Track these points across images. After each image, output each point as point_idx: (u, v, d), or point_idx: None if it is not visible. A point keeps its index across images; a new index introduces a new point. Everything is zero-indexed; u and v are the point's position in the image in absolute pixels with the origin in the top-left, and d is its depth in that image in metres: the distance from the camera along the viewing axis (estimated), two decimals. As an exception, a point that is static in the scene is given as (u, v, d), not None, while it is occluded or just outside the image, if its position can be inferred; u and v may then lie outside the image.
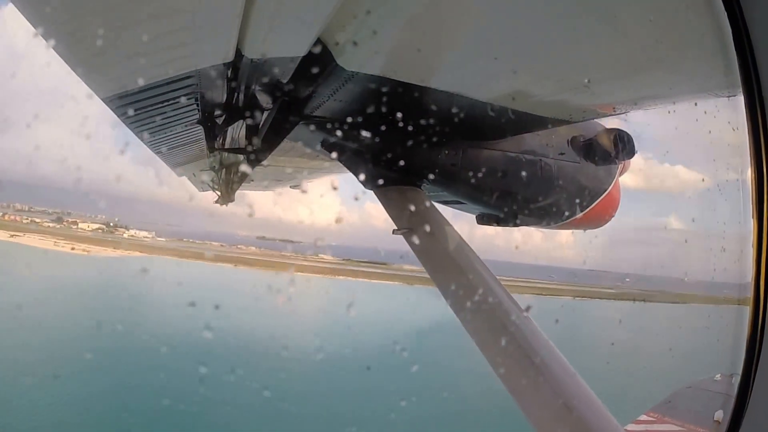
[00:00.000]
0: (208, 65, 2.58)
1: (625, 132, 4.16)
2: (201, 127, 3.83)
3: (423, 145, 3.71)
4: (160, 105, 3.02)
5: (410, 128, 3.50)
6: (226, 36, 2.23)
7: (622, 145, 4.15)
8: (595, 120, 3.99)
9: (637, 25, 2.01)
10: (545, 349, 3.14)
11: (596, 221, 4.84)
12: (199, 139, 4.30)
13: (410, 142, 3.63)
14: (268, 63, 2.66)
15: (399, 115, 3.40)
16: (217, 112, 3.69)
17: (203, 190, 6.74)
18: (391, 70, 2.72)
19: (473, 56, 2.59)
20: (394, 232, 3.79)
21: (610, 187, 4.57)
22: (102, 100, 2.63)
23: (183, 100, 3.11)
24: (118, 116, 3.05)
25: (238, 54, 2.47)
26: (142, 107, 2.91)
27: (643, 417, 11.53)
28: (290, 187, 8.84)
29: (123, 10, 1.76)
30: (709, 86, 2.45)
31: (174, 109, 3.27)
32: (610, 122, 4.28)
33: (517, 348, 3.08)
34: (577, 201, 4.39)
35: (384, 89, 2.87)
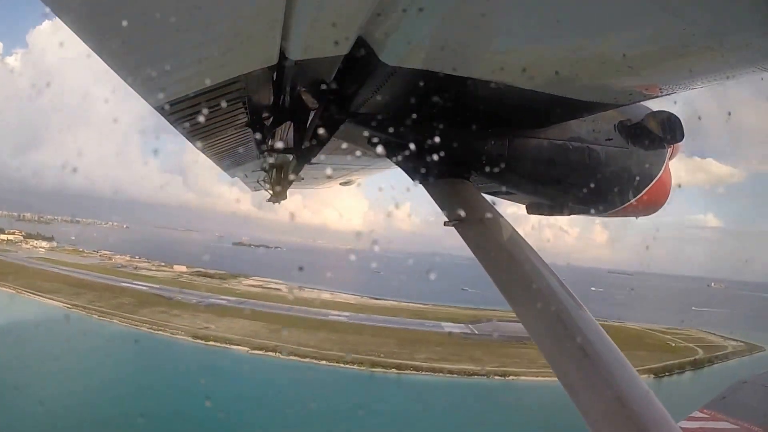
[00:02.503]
0: (253, 69, 2.64)
1: (674, 114, 4.00)
2: (250, 129, 3.93)
3: (469, 136, 3.72)
4: (210, 110, 3.11)
5: (455, 120, 3.54)
6: (269, 40, 2.28)
7: (671, 128, 4.01)
8: (642, 103, 3.81)
9: None
10: (601, 341, 3.11)
11: (648, 208, 4.68)
12: (248, 141, 4.44)
13: (456, 134, 3.64)
14: (311, 63, 2.70)
15: (444, 107, 3.40)
16: (265, 114, 3.79)
17: (255, 190, 6.97)
18: (434, 62, 2.71)
19: (514, 44, 2.56)
20: (445, 224, 3.85)
21: (660, 172, 4.42)
22: (155, 108, 2.75)
23: (231, 104, 3.20)
24: (170, 123, 3.18)
25: (282, 57, 2.52)
26: (192, 113, 3.01)
27: (698, 414, 11.03)
28: (340, 184, 9.04)
29: (170, 21, 1.84)
30: (761, 60, 2.33)
31: (223, 114, 3.36)
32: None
33: (572, 340, 3.06)
34: (628, 187, 4.26)
35: (427, 82, 2.88)
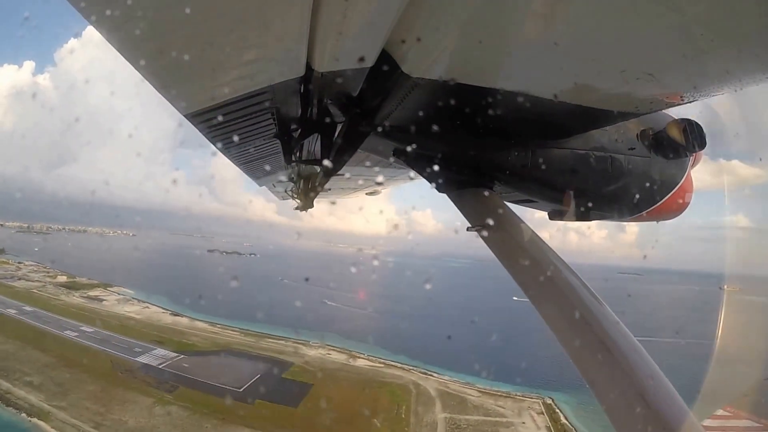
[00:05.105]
0: (281, 80, 2.71)
1: (695, 122, 4.03)
2: (278, 140, 4.02)
3: (492, 147, 3.77)
4: (239, 120, 3.20)
5: (479, 131, 3.58)
6: (296, 51, 2.36)
7: (693, 137, 4.03)
8: (664, 111, 3.82)
9: (700, 3, 1.96)
10: (625, 340, 3.12)
11: (669, 214, 4.71)
12: (276, 152, 4.53)
13: (479, 145, 3.71)
14: (337, 76, 2.75)
15: (466, 118, 3.46)
16: (293, 126, 3.88)
17: (283, 199, 7.08)
18: (456, 73, 2.76)
19: (536, 54, 2.57)
20: (468, 229, 3.91)
21: (682, 180, 4.44)
22: (185, 116, 2.84)
23: (260, 115, 3.28)
24: (200, 131, 3.27)
25: (309, 68, 2.59)
26: (222, 122, 3.09)
27: (720, 412, 10.80)
28: (366, 194, 9.17)
29: (202, 32, 1.95)
30: None
31: (252, 124, 3.44)
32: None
33: (596, 339, 3.08)
34: (650, 195, 4.29)
35: (450, 93, 2.93)
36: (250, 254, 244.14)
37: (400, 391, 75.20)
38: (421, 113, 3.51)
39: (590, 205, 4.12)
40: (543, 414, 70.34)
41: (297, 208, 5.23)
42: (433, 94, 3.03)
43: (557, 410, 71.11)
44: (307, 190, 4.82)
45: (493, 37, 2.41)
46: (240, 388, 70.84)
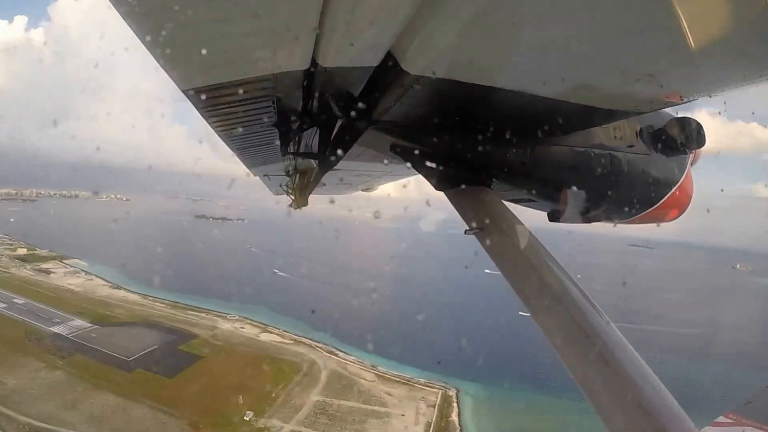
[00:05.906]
0: (285, 70, 2.65)
1: (695, 120, 4.08)
2: (276, 130, 3.90)
3: (491, 145, 3.73)
4: (238, 104, 3.10)
5: (477, 129, 3.54)
6: (304, 44, 2.31)
7: (693, 134, 4.09)
8: (664, 110, 3.82)
9: (700, 5, 1.97)
10: (620, 347, 3.11)
11: (670, 214, 4.75)
12: (273, 143, 4.41)
13: (478, 143, 3.65)
14: (341, 72, 2.71)
15: (465, 116, 3.45)
16: (293, 118, 3.78)
17: (277, 194, 6.83)
18: (456, 71, 2.73)
19: (536, 53, 2.56)
20: (466, 232, 3.85)
21: (682, 179, 4.48)
22: (183, 92, 2.70)
23: (260, 102, 3.19)
24: (197, 109, 3.14)
25: (314, 62, 2.54)
26: (220, 104, 3.00)
27: (722, 419, 10.54)
28: (362, 190, 9.15)
29: (209, 10, 1.88)
30: None
31: (251, 110, 3.34)
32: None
33: (592, 346, 3.06)
34: (650, 194, 4.33)
35: (449, 91, 2.90)
36: (238, 220, 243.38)
37: (290, 369, 75.16)
38: (419, 110, 3.47)
39: (589, 203, 4.15)
40: (434, 407, 67.33)
41: (291, 206, 5.07)
42: (433, 92, 3.00)
43: (454, 404, 67.73)
44: (302, 186, 4.71)
45: (494, 36, 2.38)
46: (129, 358, 73.37)
